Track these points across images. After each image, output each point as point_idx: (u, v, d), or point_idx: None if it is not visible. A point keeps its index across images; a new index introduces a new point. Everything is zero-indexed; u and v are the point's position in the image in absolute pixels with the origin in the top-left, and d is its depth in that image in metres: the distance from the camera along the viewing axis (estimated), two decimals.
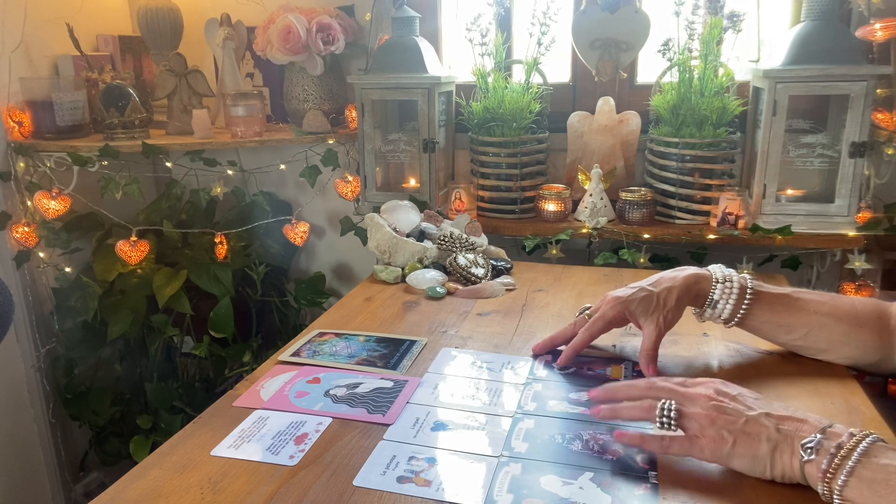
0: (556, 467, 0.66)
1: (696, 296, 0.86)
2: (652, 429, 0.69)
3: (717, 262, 0.90)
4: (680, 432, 0.66)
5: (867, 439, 0.57)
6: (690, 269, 0.87)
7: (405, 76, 1.46)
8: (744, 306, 0.84)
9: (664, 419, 0.66)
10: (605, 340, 0.92)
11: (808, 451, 0.58)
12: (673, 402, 0.66)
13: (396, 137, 1.58)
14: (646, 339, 0.84)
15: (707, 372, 0.85)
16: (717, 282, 0.85)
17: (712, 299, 0.85)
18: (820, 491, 0.57)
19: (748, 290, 0.84)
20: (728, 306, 0.84)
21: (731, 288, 0.84)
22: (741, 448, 0.62)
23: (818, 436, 0.59)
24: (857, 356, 0.83)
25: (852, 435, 0.58)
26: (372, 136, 1.52)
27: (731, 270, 0.86)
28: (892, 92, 1.30)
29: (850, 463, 0.56)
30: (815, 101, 1.41)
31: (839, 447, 0.57)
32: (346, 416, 0.76)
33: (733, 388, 0.67)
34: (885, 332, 0.81)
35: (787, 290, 0.85)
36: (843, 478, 0.56)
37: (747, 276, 0.86)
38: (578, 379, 0.84)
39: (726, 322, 0.86)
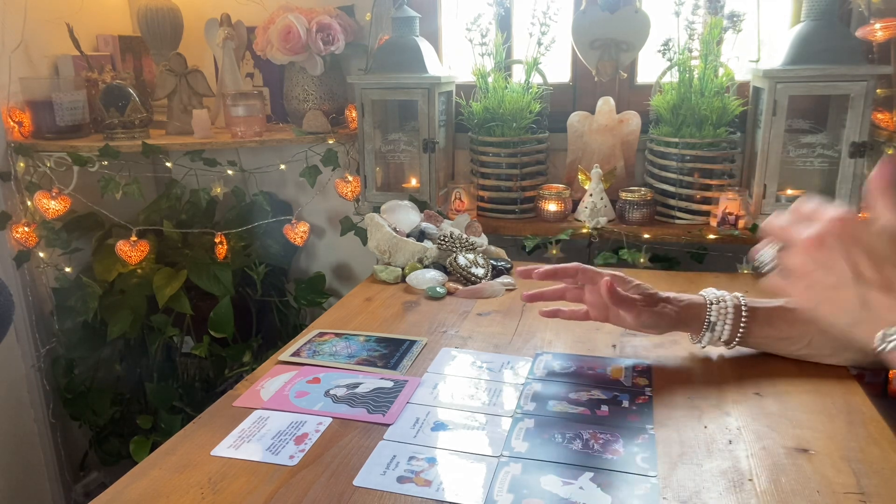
0: (556, 467, 0.66)
1: (692, 320, 0.85)
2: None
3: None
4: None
5: None
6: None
7: (405, 76, 1.46)
8: (742, 325, 0.83)
9: (764, 263, 0.63)
10: (605, 340, 0.92)
11: (891, 341, 0.54)
12: (775, 247, 0.62)
13: (396, 137, 1.58)
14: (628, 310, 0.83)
15: (707, 369, 0.85)
16: (711, 303, 0.85)
17: (709, 321, 0.84)
18: None
19: (743, 307, 0.83)
20: (727, 327, 0.84)
21: (726, 308, 0.84)
22: (824, 310, 0.58)
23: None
24: (860, 357, 0.83)
25: None
26: (372, 136, 1.52)
27: (722, 292, 0.86)
28: (892, 92, 1.30)
29: None
30: (815, 101, 1.41)
31: None
32: (346, 416, 0.76)
33: (855, 237, 0.56)
34: None
35: (781, 301, 0.84)
36: None
37: (738, 295, 0.85)
38: (578, 379, 0.84)
39: (727, 343, 0.85)
